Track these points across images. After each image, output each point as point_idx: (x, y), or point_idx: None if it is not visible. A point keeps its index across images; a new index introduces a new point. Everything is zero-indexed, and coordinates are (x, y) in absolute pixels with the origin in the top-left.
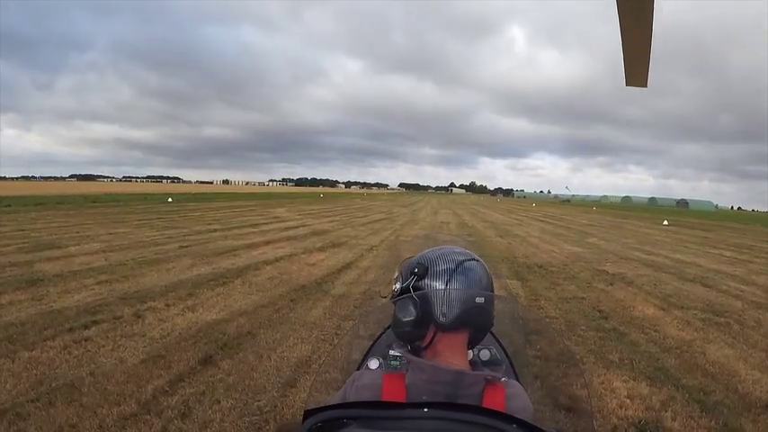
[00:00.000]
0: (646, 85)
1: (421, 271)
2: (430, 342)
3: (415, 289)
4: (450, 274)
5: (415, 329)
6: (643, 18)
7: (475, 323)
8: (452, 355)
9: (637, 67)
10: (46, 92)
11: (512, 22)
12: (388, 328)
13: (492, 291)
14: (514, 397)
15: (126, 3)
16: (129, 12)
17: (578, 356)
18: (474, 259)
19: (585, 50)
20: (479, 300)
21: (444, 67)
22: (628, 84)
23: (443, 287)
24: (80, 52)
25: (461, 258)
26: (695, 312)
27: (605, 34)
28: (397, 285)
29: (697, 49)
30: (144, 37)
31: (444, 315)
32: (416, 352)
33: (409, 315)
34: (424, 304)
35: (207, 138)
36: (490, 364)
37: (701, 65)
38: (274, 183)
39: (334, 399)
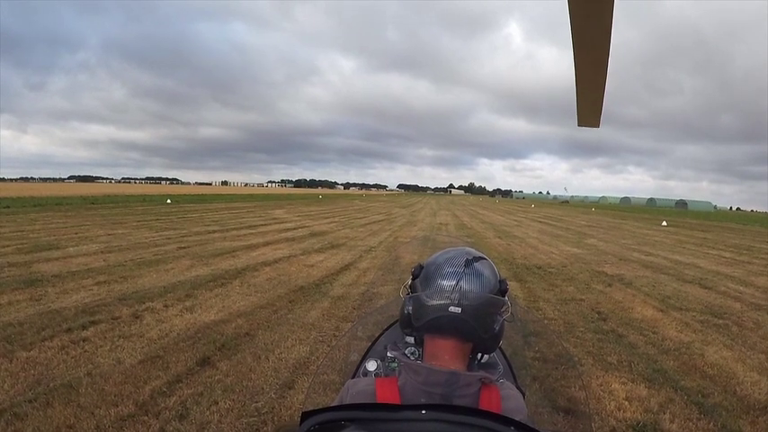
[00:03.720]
0: (598, 126)
1: (416, 272)
2: (424, 342)
3: (411, 289)
4: (448, 277)
5: (410, 328)
6: (598, 61)
7: (455, 332)
8: (447, 357)
9: (590, 107)
10: (40, 92)
11: (509, 17)
12: (387, 329)
13: (498, 294)
14: (509, 398)
15: (114, 1)
16: (118, 9)
17: (576, 358)
18: (482, 261)
19: None
20: (454, 309)
21: (440, 65)
22: (580, 124)
23: (431, 289)
24: (72, 52)
25: (466, 262)
26: (694, 314)
27: None
28: (406, 283)
29: (698, 47)
30: (135, 35)
31: (417, 320)
32: (419, 352)
33: (402, 314)
34: (410, 306)
35: (204, 139)
36: (486, 366)
37: (703, 63)
38: (273, 184)
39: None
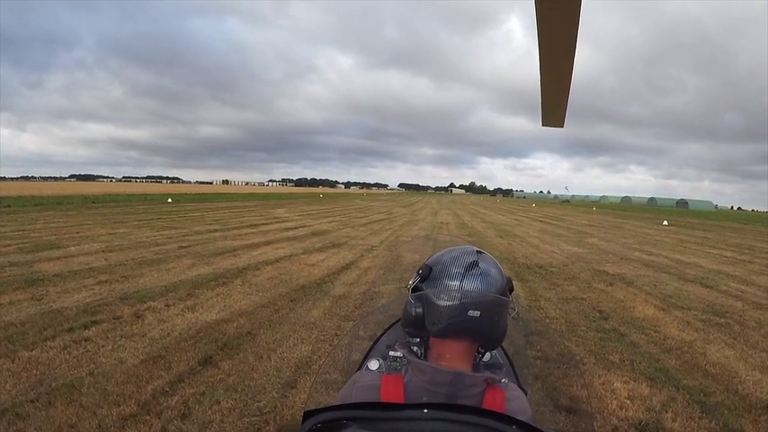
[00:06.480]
0: (562, 126)
1: (425, 273)
2: (430, 342)
3: (417, 290)
4: (461, 279)
5: (416, 329)
6: (564, 61)
7: (470, 335)
8: (454, 357)
9: (555, 108)
10: (37, 91)
11: (510, 12)
12: (389, 328)
13: (506, 294)
14: (514, 399)
15: None
16: (112, 7)
17: (578, 357)
18: (488, 262)
19: (588, 45)
20: (473, 313)
21: (439, 62)
22: (544, 124)
23: (446, 292)
24: (68, 50)
25: (474, 262)
26: (695, 313)
27: (607, 29)
28: (410, 282)
29: (702, 45)
30: (129, 33)
31: (433, 324)
32: (421, 351)
33: (409, 314)
34: (421, 307)
35: (204, 137)
36: (491, 366)
37: (706, 61)
38: (274, 183)
39: (336, 400)
